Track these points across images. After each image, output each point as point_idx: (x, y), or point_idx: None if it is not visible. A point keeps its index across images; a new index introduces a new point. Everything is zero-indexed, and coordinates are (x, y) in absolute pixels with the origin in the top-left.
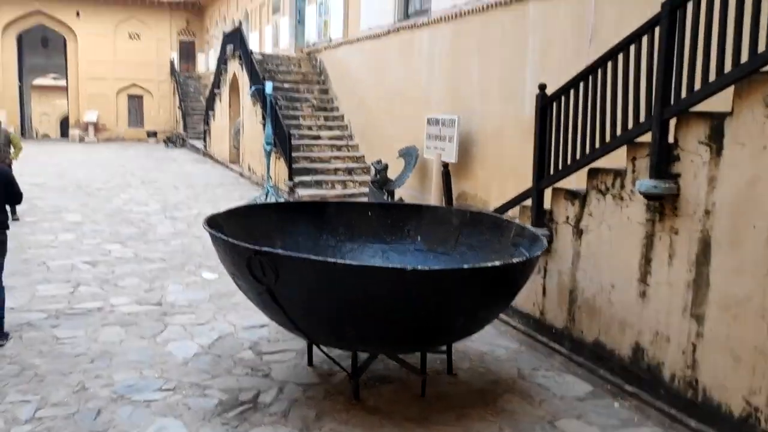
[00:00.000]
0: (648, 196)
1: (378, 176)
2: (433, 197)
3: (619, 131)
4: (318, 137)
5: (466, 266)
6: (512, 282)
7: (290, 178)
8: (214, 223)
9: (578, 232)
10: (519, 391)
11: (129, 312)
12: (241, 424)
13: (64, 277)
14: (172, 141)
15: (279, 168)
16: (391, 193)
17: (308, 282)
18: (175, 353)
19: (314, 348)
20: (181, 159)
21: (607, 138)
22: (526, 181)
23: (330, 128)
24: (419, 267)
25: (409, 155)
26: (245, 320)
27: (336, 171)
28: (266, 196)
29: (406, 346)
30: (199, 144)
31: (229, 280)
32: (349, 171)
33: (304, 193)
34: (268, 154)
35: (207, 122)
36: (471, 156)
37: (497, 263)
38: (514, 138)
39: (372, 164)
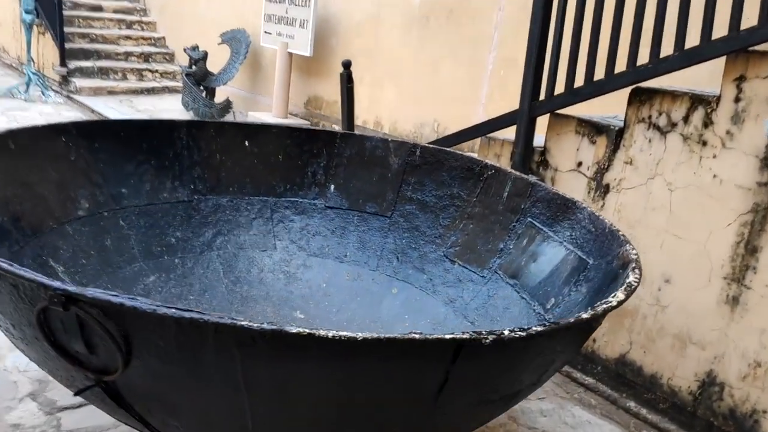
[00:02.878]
0: None
1: (194, 67)
2: (275, 103)
3: (719, 30)
4: (99, 8)
5: (572, 319)
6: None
7: (62, 63)
8: None
9: (601, 189)
10: None
11: None
12: None
13: None
14: None
15: (45, 47)
16: (212, 92)
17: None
18: None
19: None
20: None
21: (691, 41)
22: (412, 92)
23: None
24: (505, 331)
25: (237, 42)
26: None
27: (128, 56)
28: (28, 86)
29: None
30: None
31: None
32: (146, 57)
33: (84, 84)
34: (29, 27)
35: None
36: (330, 49)
37: (613, 302)
38: (395, 29)
39: (186, 50)
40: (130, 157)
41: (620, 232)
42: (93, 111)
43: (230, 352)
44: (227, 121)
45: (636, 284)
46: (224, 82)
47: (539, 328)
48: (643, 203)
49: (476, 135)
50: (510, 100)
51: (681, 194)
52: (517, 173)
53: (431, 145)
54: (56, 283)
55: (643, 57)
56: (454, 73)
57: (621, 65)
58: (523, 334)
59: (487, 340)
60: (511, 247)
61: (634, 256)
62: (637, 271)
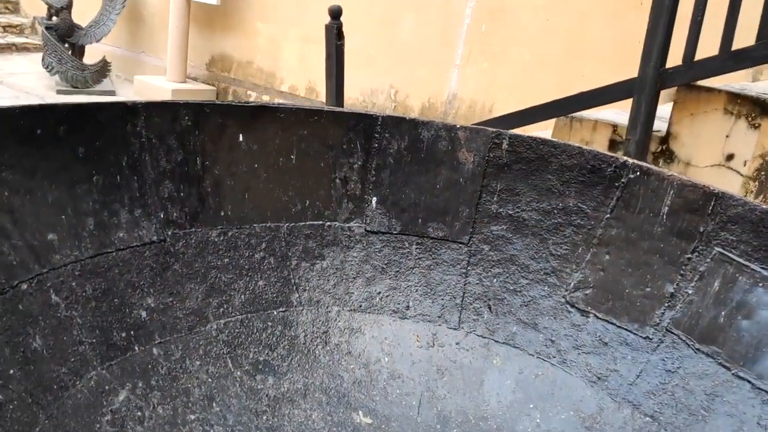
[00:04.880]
0: None
1: (56, 18)
2: (170, 63)
3: None
4: None
5: None
6: None
7: None
8: None
9: (767, 193)
10: None
11: None
12: None
13: None
14: None
15: None
16: (81, 50)
17: None
18: None
19: None
20: None
21: None
22: (359, 50)
23: None
24: None
25: None
26: None
27: None
28: None
29: None
30: None
31: None
32: None
33: None
34: None
35: None
36: None
37: None
38: None
39: None
40: (56, 173)
41: None
42: None
43: None
44: (208, 103)
45: None
46: (97, 39)
47: None
48: None
49: (559, 112)
50: (495, 63)
51: None
52: (684, 177)
53: (525, 134)
54: None
55: None
56: (418, 27)
57: None
58: None
59: None
60: (689, 292)
61: None
62: None
